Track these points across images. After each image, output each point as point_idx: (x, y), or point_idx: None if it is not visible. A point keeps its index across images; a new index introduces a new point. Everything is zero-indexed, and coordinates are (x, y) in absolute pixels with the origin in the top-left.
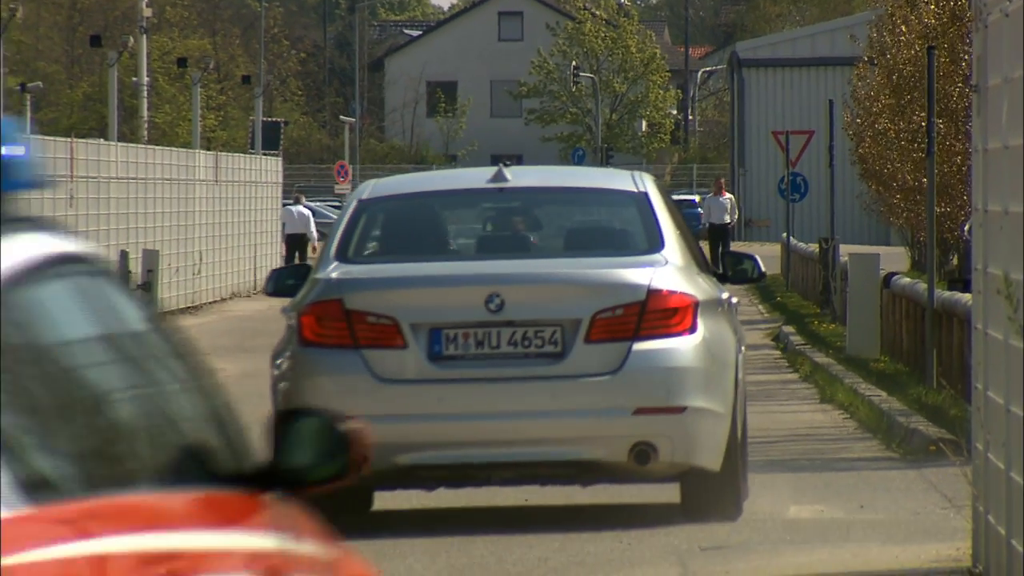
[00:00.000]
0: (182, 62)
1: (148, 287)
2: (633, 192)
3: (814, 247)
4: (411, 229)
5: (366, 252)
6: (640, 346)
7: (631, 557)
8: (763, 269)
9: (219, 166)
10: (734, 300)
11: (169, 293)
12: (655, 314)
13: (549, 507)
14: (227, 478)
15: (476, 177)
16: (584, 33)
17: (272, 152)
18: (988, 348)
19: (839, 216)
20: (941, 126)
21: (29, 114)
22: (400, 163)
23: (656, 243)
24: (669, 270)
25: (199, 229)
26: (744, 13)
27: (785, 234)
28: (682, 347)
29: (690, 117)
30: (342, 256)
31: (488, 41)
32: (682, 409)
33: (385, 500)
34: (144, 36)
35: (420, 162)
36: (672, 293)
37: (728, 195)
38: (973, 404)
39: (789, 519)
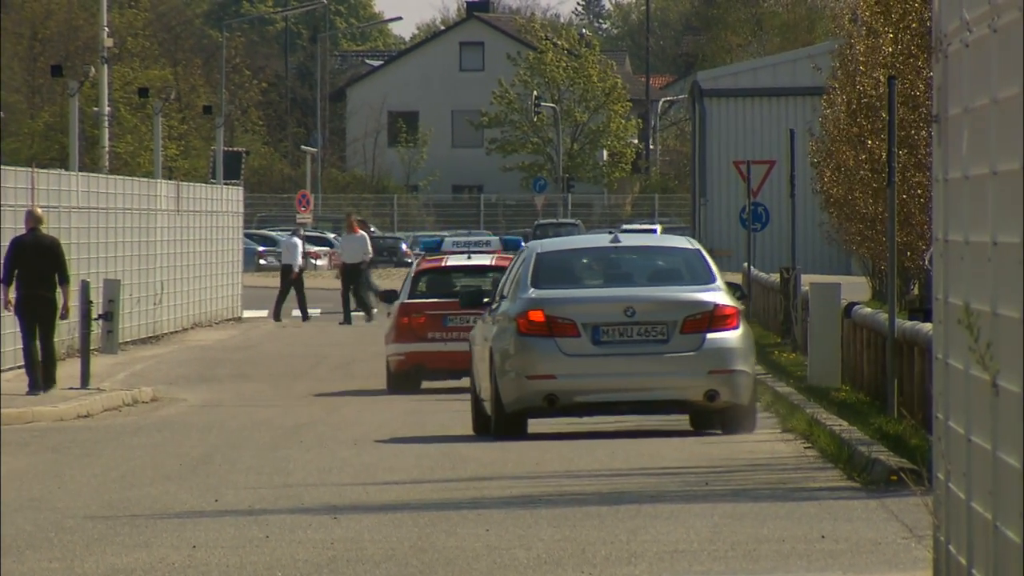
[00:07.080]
0: (143, 92)
1: (109, 317)
2: (691, 248)
3: (775, 277)
4: (569, 268)
5: (548, 281)
6: (711, 335)
7: None
8: (745, 292)
9: (180, 196)
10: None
11: (130, 323)
12: (718, 318)
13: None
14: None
15: (601, 239)
16: (545, 63)
17: (233, 182)
18: (949, 378)
19: (800, 246)
20: (902, 155)
21: None
22: (362, 193)
23: (711, 278)
24: (722, 293)
25: (160, 259)
26: (705, 43)
27: (746, 264)
28: (733, 336)
29: (651, 147)
30: (536, 284)
31: (449, 71)
32: (732, 371)
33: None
34: (105, 66)
35: (382, 191)
36: (727, 306)
37: (361, 232)
38: (934, 434)
39: (750, 549)
